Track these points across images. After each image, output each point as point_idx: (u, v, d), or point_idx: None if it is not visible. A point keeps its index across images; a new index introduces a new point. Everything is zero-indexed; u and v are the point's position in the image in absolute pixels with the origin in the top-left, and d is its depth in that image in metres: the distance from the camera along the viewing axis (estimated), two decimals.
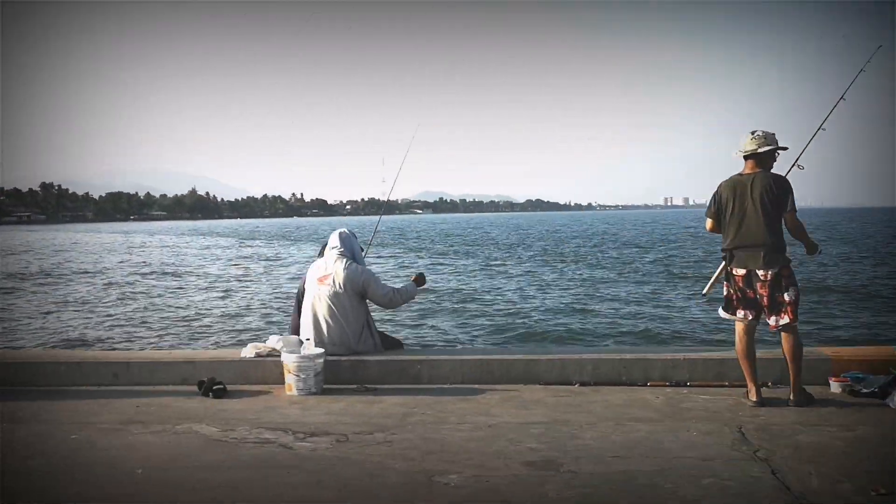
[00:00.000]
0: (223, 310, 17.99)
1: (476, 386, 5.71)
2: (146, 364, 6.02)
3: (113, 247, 59.09)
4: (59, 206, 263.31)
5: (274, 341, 6.06)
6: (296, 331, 6.45)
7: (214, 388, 5.57)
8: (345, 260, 6.05)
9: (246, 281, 26.05)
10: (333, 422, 4.86)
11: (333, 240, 6.21)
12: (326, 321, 5.92)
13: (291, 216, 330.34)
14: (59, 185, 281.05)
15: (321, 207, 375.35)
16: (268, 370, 5.91)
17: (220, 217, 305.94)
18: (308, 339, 5.82)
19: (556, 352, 6.64)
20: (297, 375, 5.55)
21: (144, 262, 38.12)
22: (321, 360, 5.63)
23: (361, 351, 5.98)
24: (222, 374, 5.77)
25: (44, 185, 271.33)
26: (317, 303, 5.96)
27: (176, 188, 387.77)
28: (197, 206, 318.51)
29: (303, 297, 6.57)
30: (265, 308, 18.19)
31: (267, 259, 39.85)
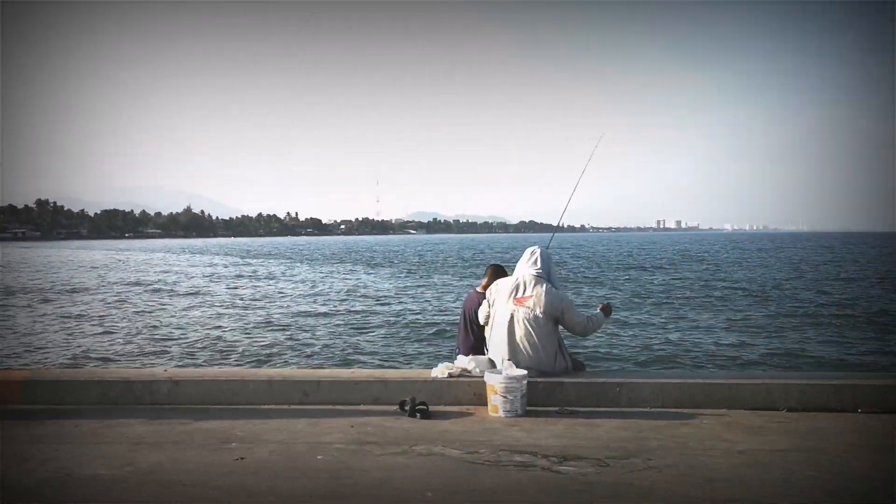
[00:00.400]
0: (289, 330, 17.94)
1: (680, 410, 5.62)
2: (337, 383, 5.92)
3: (144, 265, 58.82)
4: (53, 222, 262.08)
5: (465, 362, 5.98)
6: (468, 350, 6.38)
7: (418, 408, 5.48)
8: (545, 283, 6.01)
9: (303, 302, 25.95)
10: (570, 445, 4.78)
11: (531, 259, 6.15)
12: (523, 343, 5.85)
13: (286, 235, 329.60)
14: (55, 202, 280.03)
15: (316, 227, 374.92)
16: (461, 391, 5.82)
17: (215, 235, 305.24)
18: (509, 360, 5.74)
19: (759, 376, 6.53)
20: (505, 397, 5.47)
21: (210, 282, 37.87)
22: (525, 382, 5.56)
23: (555, 372, 5.91)
24: (414, 395, 5.68)
25: (39, 202, 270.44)
26: (515, 324, 5.89)
27: (171, 206, 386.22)
28: (192, 225, 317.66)
29: (472, 316, 6.51)
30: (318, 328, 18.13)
31: (308, 280, 39.72)
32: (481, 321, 6.27)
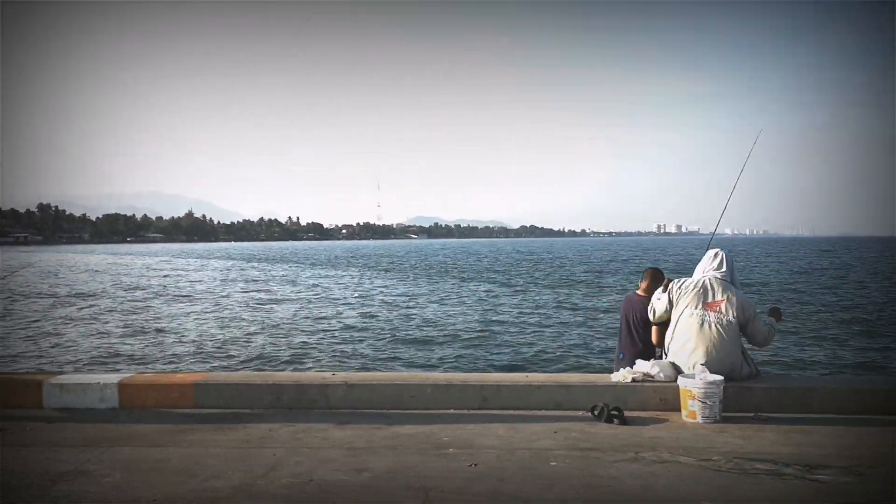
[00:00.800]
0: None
1: (884, 416, 5.44)
2: (517, 387, 5.75)
3: (174, 271, 58.71)
4: (55, 227, 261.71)
5: (647, 366, 5.82)
6: (636, 355, 6.21)
7: (613, 413, 5.32)
8: (733, 288, 5.87)
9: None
10: (800, 452, 4.61)
11: (715, 262, 6.00)
12: (715, 348, 5.69)
13: (287, 240, 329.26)
14: (56, 207, 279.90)
15: (317, 231, 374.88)
16: (646, 395, 5.66)
17: (217, 240, 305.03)
18: (703, 365, 5.57)
19: None
20: (704, 402, 5.31)
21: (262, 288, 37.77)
22: (722, 387, 5.40)
23: (741, 378, 5.75)
24: (597, 400, 5.52)
25: (41, 206, 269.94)
26: (706, 328, 5.72)
27: (170, 210, 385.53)
28: (193, 229, 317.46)
29: (636, 320, 6.35)
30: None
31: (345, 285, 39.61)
32: (653, 318, 6.11)
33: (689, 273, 6.28)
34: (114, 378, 5.80)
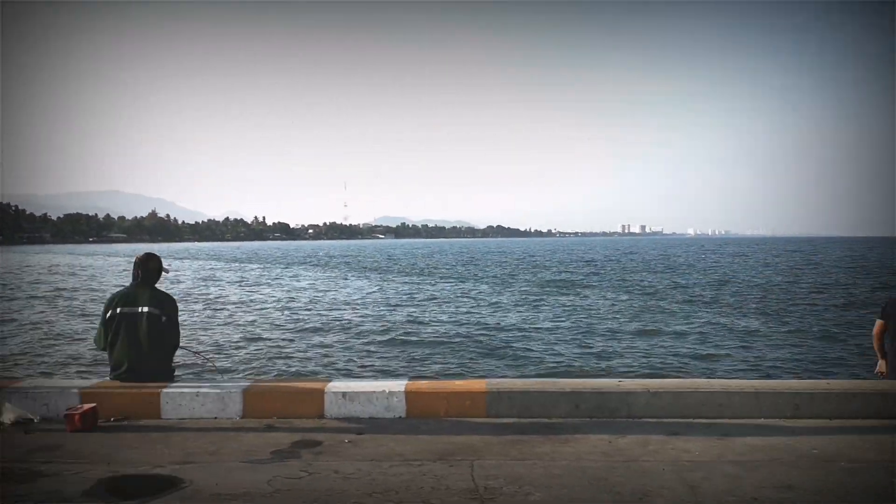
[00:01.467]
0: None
1: None
2: (830, 395, 5.36)
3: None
4: (15, 226, 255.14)
5: None
6: None
7: None
8: None
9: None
10: None
11: None
12: None
13: (253, 240, 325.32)
14: (16, 206, 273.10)
15: (283, 231, 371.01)
16: None
17: (181, 240, 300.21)
18: None
19: None
20: None
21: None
22: None
23: None
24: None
25: (0, 206, 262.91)
26: None
27: (131, 211, 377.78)
28: (157, 229, 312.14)
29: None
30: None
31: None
32: None
33: None
34: (399, 385, 5.30)
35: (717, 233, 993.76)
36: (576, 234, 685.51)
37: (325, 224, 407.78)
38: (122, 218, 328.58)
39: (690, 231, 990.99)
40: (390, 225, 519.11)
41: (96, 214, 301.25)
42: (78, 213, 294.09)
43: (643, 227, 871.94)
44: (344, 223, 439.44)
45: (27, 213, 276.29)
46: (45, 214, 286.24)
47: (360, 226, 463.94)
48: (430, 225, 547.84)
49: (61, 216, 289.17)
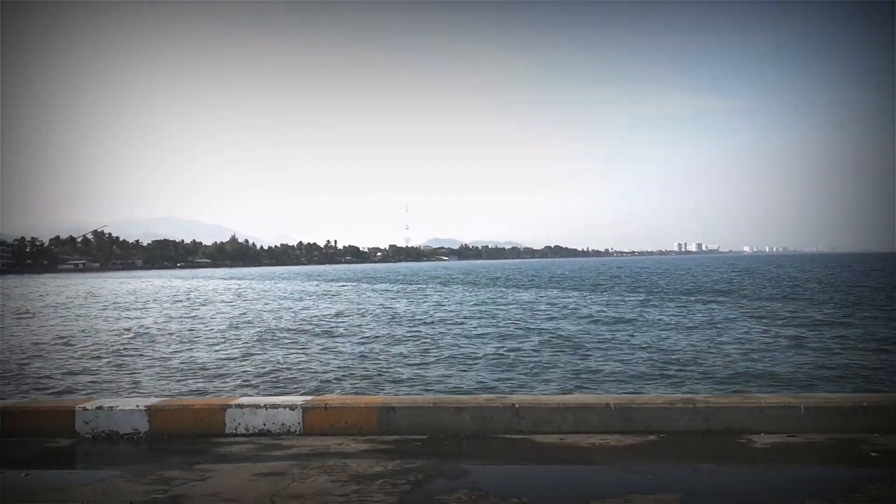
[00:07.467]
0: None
1: None
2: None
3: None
4: (110, 253, 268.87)
5: None
6: None
7: None
8: None
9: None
10: None
11: None
12: None
13: (325, 263, 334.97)
14: (110, 234, 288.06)
15: (354, 255, 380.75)
16: None
17: (260, 264, 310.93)
18: None
19: None
20: None
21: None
22: None
23: None
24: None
25: (96, 234, 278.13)
26: None
27: (190, 235, 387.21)
28: (237, 254, 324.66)
29: None
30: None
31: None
32: None
33: None
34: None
35: (774, 250, 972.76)
36: (632, 253, 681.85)
37: (390, 247, 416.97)
38: (200, 243, 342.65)
39: (746, 248, 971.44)
40: (442, 245, 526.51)
41: (182, 240, 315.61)
42: (165, 240, 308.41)
43: (699, 246, 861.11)
44: (406, 245, 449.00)
45: (120, 239, 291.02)
46: (138, 241, 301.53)
47: (421, 247, 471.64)
48: (486, 245, 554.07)
49: (150, 242, 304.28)
